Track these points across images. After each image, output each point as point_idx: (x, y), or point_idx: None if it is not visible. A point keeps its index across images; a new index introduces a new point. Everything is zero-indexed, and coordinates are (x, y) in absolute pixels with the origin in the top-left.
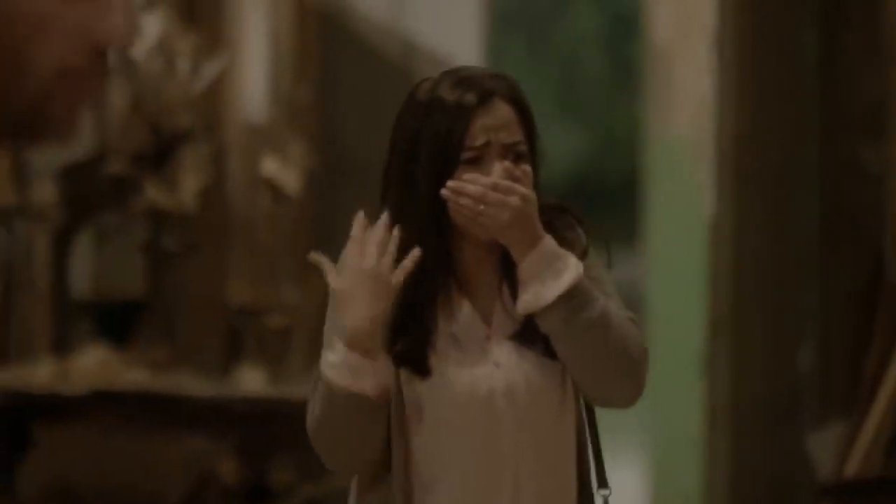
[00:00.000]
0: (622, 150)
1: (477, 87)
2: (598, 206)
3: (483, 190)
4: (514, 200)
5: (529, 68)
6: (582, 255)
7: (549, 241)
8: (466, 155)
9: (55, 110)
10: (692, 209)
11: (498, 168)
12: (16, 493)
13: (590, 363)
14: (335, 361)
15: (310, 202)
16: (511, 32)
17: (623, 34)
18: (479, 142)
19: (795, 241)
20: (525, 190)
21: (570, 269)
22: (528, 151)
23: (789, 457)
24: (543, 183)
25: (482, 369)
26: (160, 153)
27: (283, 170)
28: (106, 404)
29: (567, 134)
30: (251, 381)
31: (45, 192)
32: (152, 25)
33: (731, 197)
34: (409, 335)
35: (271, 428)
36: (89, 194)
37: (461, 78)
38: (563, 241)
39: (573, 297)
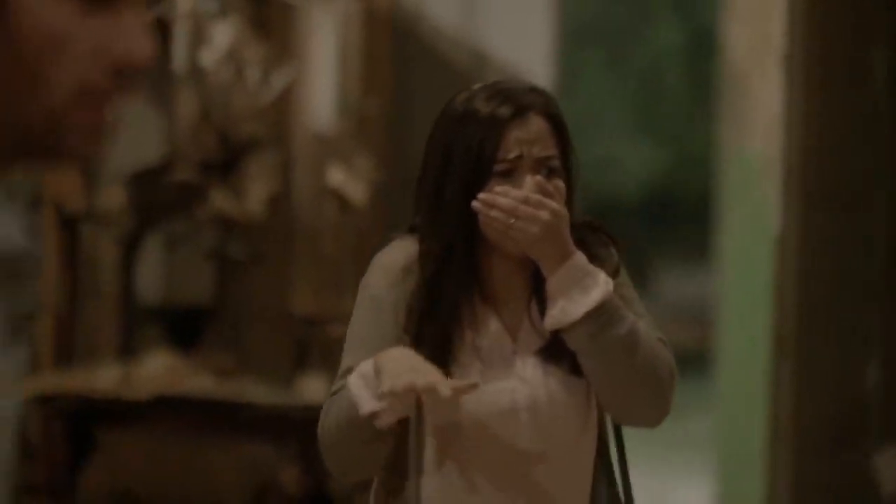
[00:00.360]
0: (699, 165)
1: (512, 101)
2: (673, 221)
3: (514, 203)
4: (544, 215)
5: (607, 83)
6: (613, 274)
7: (579, 257)
8: (499, 167)
9: (74, 128)
10: (762, 226)
11: (529, 182)
12: (77, 497)
13: (616, 381)
14: (361, 392)
15: (376, 213)
16: (589, 47)
17: (702, 50)
18: (511, 154)
19: (862, 258)
20: (556, 205)
21: (600, 285)
22: (561, 167)
23: (853, 475)
24: (619, 197)
25: (506, 383)
26: (228, 162)
27: (350, 180)
28: (169, 410)
29: (644, 149)
30: (314, 389)
31: (114, 198)
32: (223, 34)
33: (799, 214)
34: (432, 345)
35: None
36: (157, 201)
37: (497, 91)
38: (595, 259)
39: (601, 314)
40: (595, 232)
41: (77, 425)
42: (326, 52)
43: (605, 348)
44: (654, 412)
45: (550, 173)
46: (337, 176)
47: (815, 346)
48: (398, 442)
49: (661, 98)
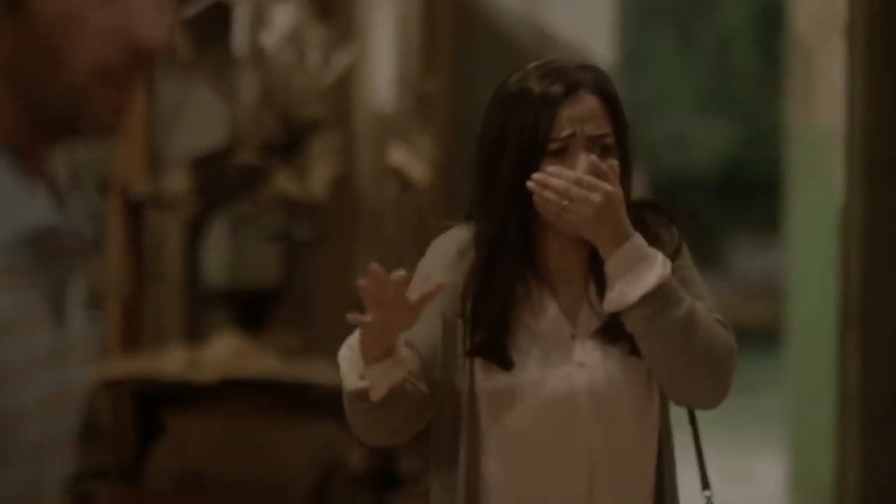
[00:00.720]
0: (770, 141)
1: (564, 79)
2: (745, 197)
3: (566, 185)
4: (596, 197)
5: (677, 61)
6: (674, 254)
7: (636, 240)
8: (552, 146)
9: (92, 108)
10: (828, 200)
11: (583, 160)
12: (146, 480)
13: (674, 363)
14: (348, 368)
15: (438, 192)
16: (658, 26)
17: (772, 25)
18: (564, 133)
19: None
20: (609, 186)
21: (657, 268)
22: (615, 145)
23: None
24: (691, 174)
25: (564, 368)
26: (290, 143)
27: (411, 160)
28: (236, 392)
29: (716, 126)
30: None
31: (178, 182)
32: (283, 16)
33: (863, 187)
34: (487, 327)
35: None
36: (221, 184)
37: (549, 69)
38: (655, 239)
39: (658, 297)
40: (656, 212)
41: (145, 409)
42: (387, 32)
43: (662, 331)
44: (712, 394)
45: (604, 151)
46: (398, 155)
47: (881, 318)
48: (446, 428)
49: (732, 75)
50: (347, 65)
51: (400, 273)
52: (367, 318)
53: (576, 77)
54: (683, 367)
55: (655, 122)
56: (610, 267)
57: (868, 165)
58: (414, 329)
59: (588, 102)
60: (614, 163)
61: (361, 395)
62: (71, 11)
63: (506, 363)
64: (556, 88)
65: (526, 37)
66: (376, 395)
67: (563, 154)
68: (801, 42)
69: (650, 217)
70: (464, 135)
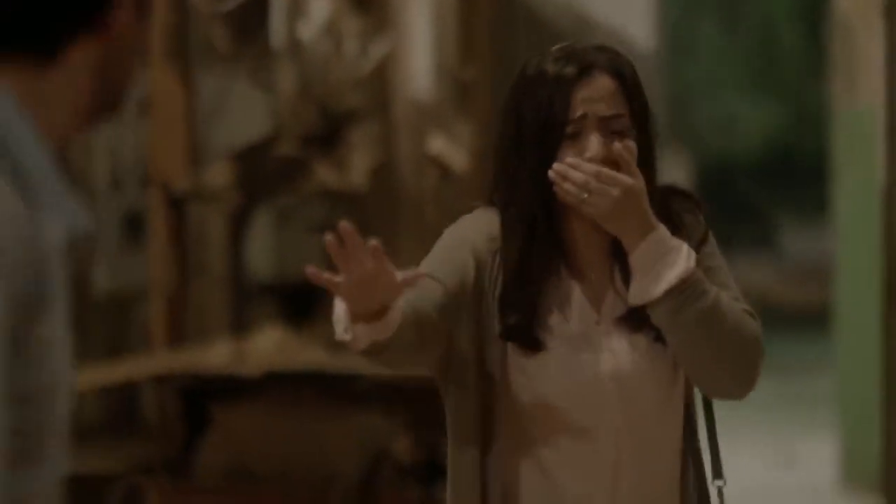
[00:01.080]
0: (817, 123)
1: (577, 60)
2: (793, 178)
3: (585, 178)
4: (615, 191)
5: (721, 45)
6: (700, 243)
7: (660, 232)
8: (567, 129)
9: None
10: (871, 181)
11: (594, 141)
12: (194, 474)
13: (699, 355)
14: (336, 319)
15: (478, 179)
16: (704, 9)
17: (816, 6)
18: (577, 114)
19: None
20: (628, 180)
21: (681, 261)
22: (634, 125)
23: None
24: (738, 156)
25: (591, 354)
26: (329, 134)
27: (450, 148)
28: (282, 384)
29: (763, 108)
30: None
31: (220, 176)
32: (320, 8)
33: None
34: (519, 311)
35: (442, 406)
36: (262, 177)
37: (565, 52)
38: (681, 227)
39: (683, 291)
40: (684, 198)
41: (192, 403)
42: (423, 21)
43: (687, 323)
44: (738, 385)
45: (619, 133)
46: (437, 144)
47: None
48: (472, 404)
49: (778, 57)
50: (384, 54)
51: (373, 242)
52: (336, 278)
53: (590, 58)
54: (709, 360)
55: (701, 106)
56: (634, 260)
57: None
58: (443, 270)
59: (601, 82)
60: (631, 144)
61: (349, 344)
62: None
63: (536, 346)
64: (570, 70)
65: (566, 23)
66: (357, 346)
67: (577, 137)
68: (844, 23)
69: (676, 203)
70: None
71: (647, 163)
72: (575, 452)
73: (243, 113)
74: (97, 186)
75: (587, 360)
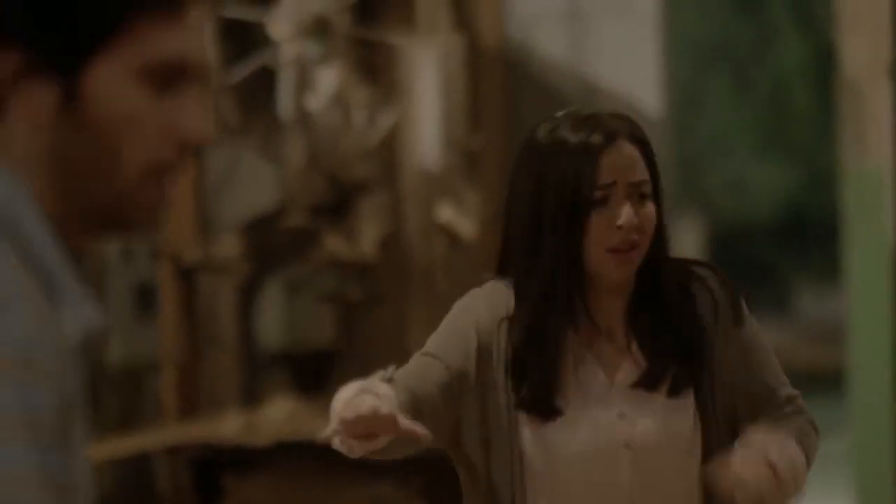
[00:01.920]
0: (829, 184)
1: (601, 127)
2: (806, 240)
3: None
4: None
5: (734, 105)
6: (737, 321)
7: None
8: (595, 195)
9: (142, 202)
10: (881, 242)
11: (628, 210)
12: None
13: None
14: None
15: (487, 248)
16: (714, 70)
17: (827, 68)
18: (606, 181)
19: None
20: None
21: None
22: (652, 191)
23: None
24: (750, 218)
25: (605, 420)
26: (339, 205)
27: (459, 216)
28: (293, 454)
29: (774, 170)
30: None
31: (230, 247)
32: (328, 79)
33: None
34: (535, 381)
35: (456, 473)
36: (272, 247)
37: (582, 119)
38: (696, 318)
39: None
40: (713, 272)
41: (204, 473)
42: (430, 91)
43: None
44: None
45: (642, 198)
46: (446, 213)
47: None
48: (479, 482)
49: (789, 117)
50: (392, 124)
51: (384, 413)
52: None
53: (613, 126)
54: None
55: (713, 169)
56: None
57: None
58: (447, 349)
59: (626, 150)
60: (651, 209)
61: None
62: (126, 110)
63: (552, 415)
64: (596, 138)
65: (572, 89)
66: (352, 455)
67: (604, 203)
68: (852, 84)
69: (695, 284)
70: None
71: (660, 224)
72: None
73: (252, 184)
74: (108, 258)
75: (602, 426)
